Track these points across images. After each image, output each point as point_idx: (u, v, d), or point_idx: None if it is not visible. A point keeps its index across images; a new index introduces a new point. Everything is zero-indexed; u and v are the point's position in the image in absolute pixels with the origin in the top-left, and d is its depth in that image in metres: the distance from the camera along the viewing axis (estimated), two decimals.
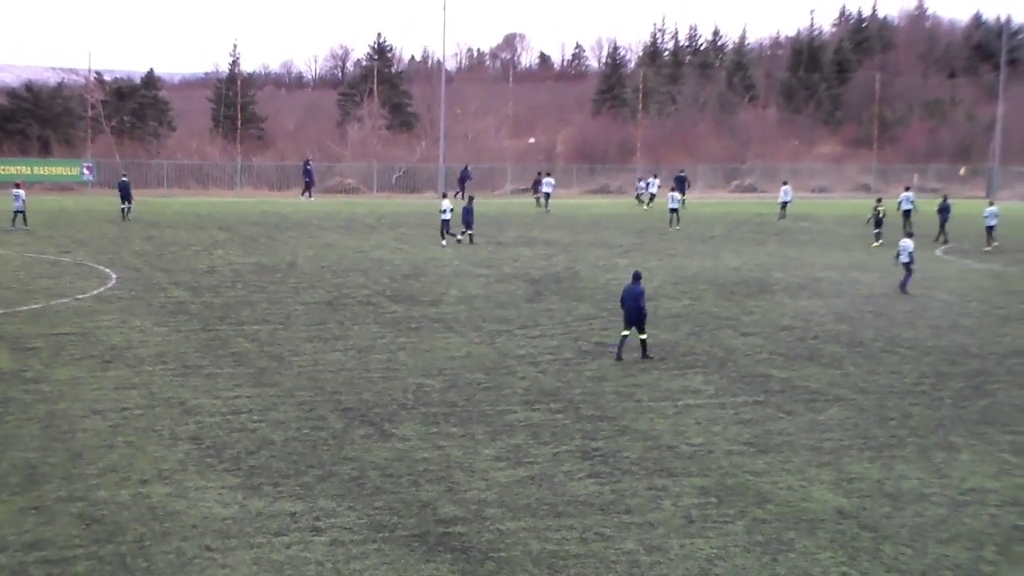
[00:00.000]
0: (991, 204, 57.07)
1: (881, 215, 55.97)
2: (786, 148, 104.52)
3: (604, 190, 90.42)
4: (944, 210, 57.37)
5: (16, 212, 54.71)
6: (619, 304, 29.03)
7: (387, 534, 16.09)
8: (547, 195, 74.32)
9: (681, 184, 74.34)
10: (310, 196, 78.95)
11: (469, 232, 53.04)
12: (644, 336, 28.36)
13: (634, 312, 28.05)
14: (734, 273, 43.86)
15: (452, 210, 52.20)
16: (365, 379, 25.46)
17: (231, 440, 20.52)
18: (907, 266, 39.88)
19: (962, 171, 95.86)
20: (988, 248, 53.71)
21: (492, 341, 30.14)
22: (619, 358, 27.98)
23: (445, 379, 25.63)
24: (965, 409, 23.86)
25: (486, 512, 17.04)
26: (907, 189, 63.56)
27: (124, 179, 62.39)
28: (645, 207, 76.45)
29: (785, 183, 73.64)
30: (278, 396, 23.79)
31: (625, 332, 28.39)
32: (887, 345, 30.50)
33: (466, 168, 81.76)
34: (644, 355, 28.19)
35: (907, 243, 40.37)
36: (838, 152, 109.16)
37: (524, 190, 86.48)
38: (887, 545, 16.04)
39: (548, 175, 76.86)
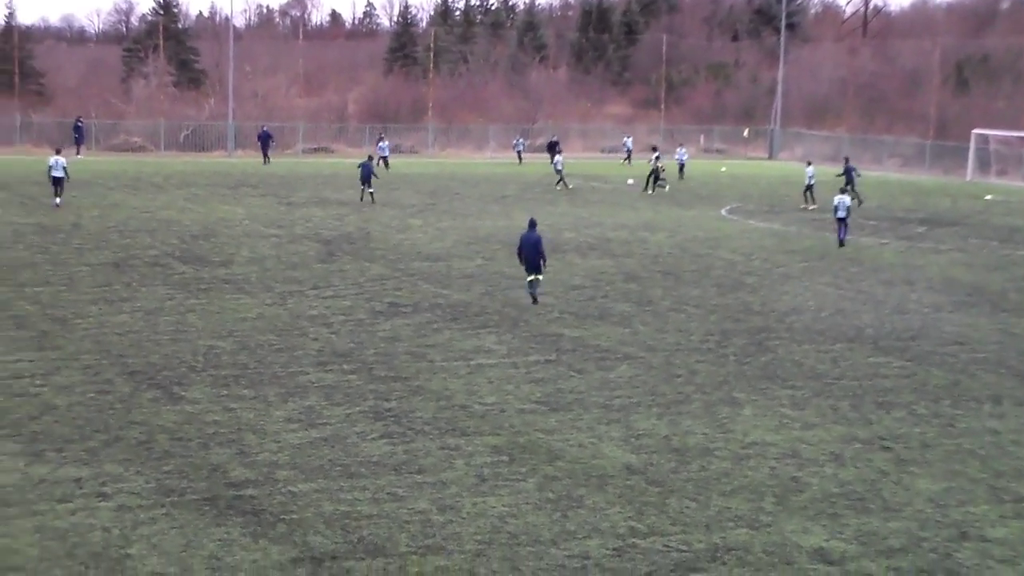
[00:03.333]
0: (809, 164, 59.14)
1: (659, 169, 61.50)
2: (577, 108, 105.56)
3: (396, 150, 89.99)
4: (848, 172, 57.45)
5: (57, 179, 48.61)
6: (516, 253, 30.85)
7: (176, 498, 15.84)
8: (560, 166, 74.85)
9: (552, 148, 77.59)
10: (78, 154, 76.44)
11: (370, 191, 53.77)
12: (540, 277, 30.35)
13: (535, 258, 29.85)
14: None
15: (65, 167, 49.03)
16: (153, 342, 24.96)
17: (12, 405, 19.90)
18: (843, 220, 42.57)
19: (745, 132, 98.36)
20: (809, 207, 55.36)
21: (284, 302, 29.84)
22: (535, 302, 29.89)
23: (236, 341, 25.29)
24: (748, 365, 24.58)
25: (278, 474, 16.90)
26: (681, 146, 66.54)
27: None
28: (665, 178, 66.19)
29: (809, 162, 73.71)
30: (62, 360, 23.15)
31: (530, 278, 30.09)
32: (675, 304, 31.18)
33: (264, 128, 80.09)
34: (534, 300, 30.14)
35: (844, 199, 43.02)
36: (627, 113, 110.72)
37: (316, 149, 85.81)
38: (673, 499, 16.44)
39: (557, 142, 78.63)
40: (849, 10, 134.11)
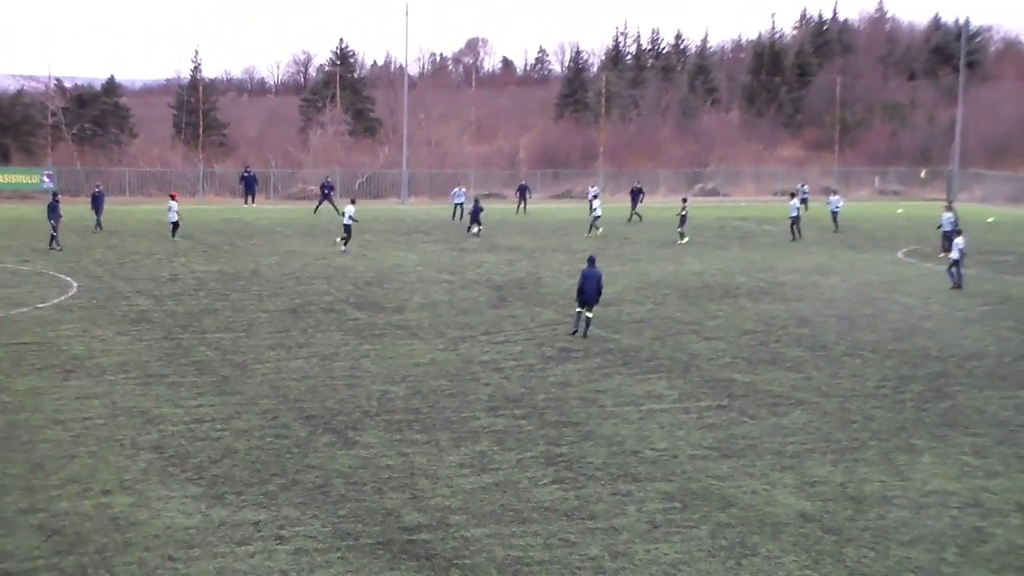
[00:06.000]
0: (948, 210, 55.73)
1: (684, 212, 57.97)
2: (748, 151, 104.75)
3: (567, 195, 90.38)
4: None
5: (173, 224, 55.50)
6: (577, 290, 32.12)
7: (351, 542, 16.07)
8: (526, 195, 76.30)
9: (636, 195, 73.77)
10: (252, 202, 78.15)
11: (479, 227, 58.89)
12: (591, 315, 31.67)
13: (593, 294, 31.46)
14: (697, 278, 43.99)
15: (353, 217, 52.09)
16: (328, 387, 25.41)
17: (194, 449, 20.45)
18: (957, 263, 42.01)
19: (922, 174, 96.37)
20: (942, 255, 53.19)
21: (456, 347, 30.13)
22: (585, 335, 31.46)
23: (409, 386, 25.61)
24: (926, 412, 24.03)
25: (450, 519, 17.04)
26: (793, 196, 63.05)
27: (98, 190, 60.91)
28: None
29: (835, 192, 72.04)
30: (241, 404, 23.72)
31: (586, 312, 31.66)
32: (849, 348, 30.66)
33: (326, 180, 76.89)
34: (585, 333, 31.47)
35: (959, 241, 42.53)
36: (800, 155, 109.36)
37: (487, 195, 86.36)
38: (850, 548, 16.13)
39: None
40: None
